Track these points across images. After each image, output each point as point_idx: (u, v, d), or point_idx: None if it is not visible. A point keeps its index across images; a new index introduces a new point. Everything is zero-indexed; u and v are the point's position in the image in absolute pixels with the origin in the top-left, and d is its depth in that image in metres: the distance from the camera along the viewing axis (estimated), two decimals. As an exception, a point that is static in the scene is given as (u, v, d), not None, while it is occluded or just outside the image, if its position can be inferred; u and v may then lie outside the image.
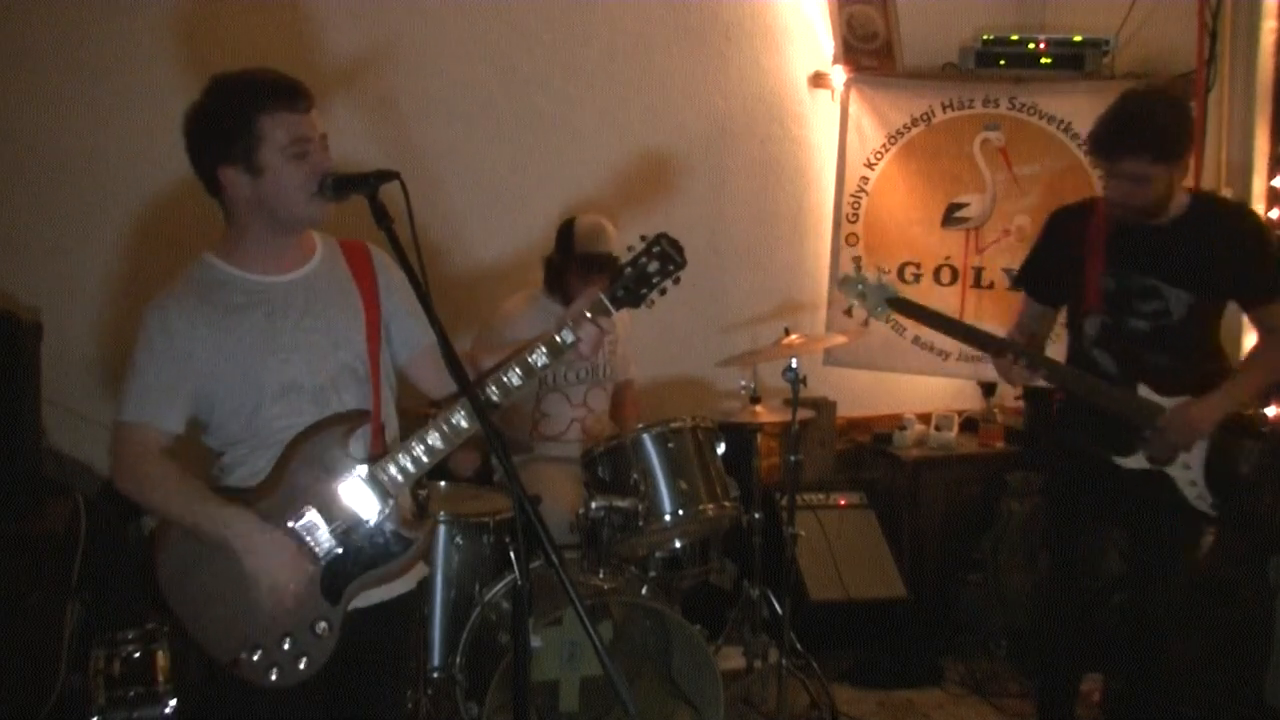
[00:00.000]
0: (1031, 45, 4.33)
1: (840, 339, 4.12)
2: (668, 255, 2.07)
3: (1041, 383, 2.93)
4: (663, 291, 2.11)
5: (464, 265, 4.01)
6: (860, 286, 2.96)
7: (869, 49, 4.39)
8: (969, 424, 4.70)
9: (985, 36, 4.38)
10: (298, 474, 2.02)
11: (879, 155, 4.46)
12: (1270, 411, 4.12)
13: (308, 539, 2.00)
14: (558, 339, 2.06)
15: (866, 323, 4.13)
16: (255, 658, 1.98)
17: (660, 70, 4.32)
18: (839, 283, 3.06)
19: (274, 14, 3.76)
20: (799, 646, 3.64)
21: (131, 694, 2.92)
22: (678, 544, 3.29)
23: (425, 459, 2.05)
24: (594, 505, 3.03)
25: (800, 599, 3.85)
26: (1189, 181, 4.25)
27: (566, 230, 3.55)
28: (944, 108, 4.39)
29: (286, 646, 1.99)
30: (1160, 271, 2.78)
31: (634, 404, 3.88)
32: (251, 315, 2.04)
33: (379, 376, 2.13)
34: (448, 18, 3.99)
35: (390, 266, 2.22)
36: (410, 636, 2.23)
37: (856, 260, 4.47)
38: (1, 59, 3.49)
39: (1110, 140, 2.70)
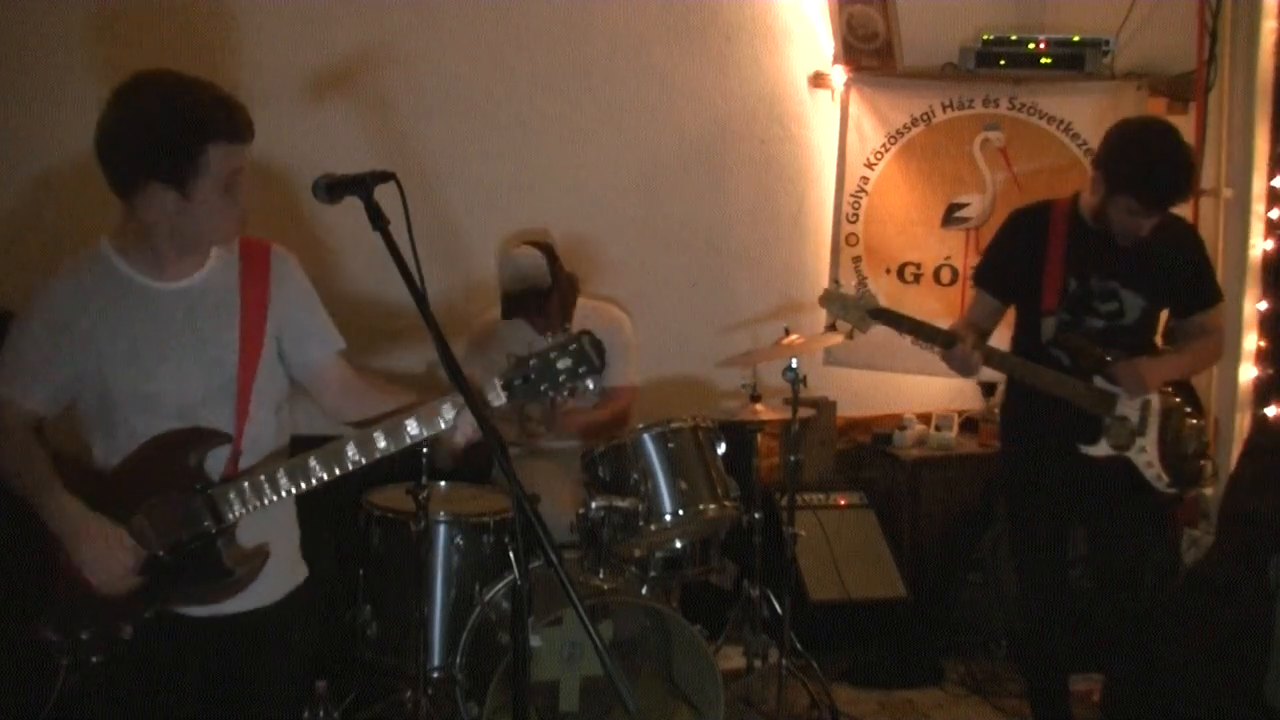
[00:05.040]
0: (1031, 45, 4.33)
1: (838, 338, 4.12)
2: (585, 355, 1.93)
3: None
4: (571, 392, 1.95)
5: (462, 266, 4.00)
6: (840, 303, 3.09)
7: (869, 49, 4.39)
8: (969, 424, 4.70)
9: (985, 36, 4.37)
10: (144, 476, 2.00)
11: (879, 155, 4.46)
12: (1271, 411, 4.14)
13: (135, 541, 1.98)
14: (438, 418, 1.97)
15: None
16: (55, 639, 1.99)
17: (660, 70, 4.31)
18: (820, 299, 3.18)
19: (273, 10, 3.77)
20: (799, 646, 3.64)
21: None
22: (678, 544, 3.29)
23: (272, 496, 2.00)
24: (594, 505, 3.03)
25: (800, 599, 3.85)
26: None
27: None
28: (944, 108, 4.39)
29: (85, 638, 1.98)
30: (1120, 276, 2.98)
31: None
32: (129, 320, 2.02)
33: (249, 399, 2.07)
34: (446, 16, 3.99)
35: (291, 275, 2.17)
36: (267, 656, 2.17)
37: (856, 260, 4.49)
38: (1, 57, 3.49)
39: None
